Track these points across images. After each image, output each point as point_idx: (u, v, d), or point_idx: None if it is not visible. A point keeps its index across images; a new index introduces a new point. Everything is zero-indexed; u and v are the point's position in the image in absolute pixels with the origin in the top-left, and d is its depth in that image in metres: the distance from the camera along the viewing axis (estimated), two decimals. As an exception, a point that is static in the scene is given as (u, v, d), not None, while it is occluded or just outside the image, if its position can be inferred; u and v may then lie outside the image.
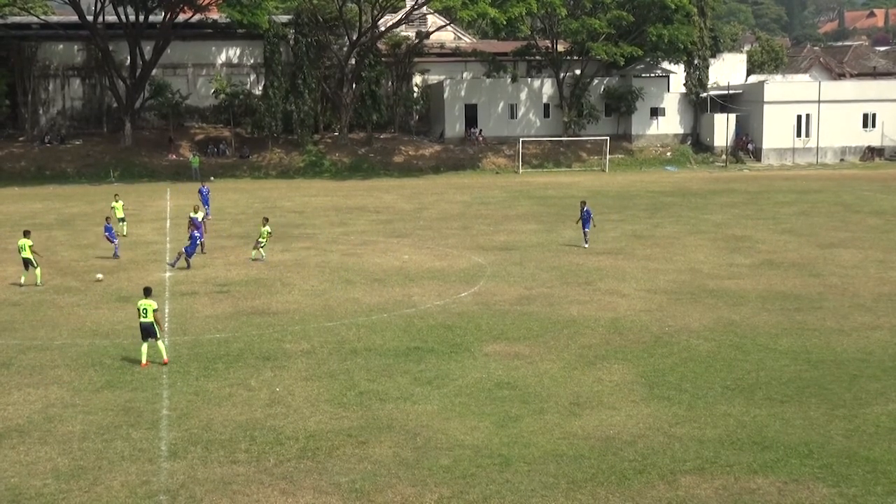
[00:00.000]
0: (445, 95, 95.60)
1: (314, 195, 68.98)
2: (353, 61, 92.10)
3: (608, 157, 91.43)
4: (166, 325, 28.46)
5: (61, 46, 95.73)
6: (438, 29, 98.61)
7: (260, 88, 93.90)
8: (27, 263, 34.98)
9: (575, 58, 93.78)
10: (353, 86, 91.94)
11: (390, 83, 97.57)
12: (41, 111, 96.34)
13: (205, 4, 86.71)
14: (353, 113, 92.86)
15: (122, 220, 48.04)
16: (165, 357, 24.29)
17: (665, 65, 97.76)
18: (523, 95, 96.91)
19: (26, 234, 35.88)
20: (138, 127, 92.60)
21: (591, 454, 17.84)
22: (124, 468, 17.39)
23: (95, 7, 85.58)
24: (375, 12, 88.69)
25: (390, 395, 21.36)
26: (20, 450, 18.34)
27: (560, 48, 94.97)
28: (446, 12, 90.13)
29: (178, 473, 17.13)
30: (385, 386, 22.07)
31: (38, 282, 34.99)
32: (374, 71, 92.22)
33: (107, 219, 42.36)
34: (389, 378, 22.68)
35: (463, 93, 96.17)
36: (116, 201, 48.67)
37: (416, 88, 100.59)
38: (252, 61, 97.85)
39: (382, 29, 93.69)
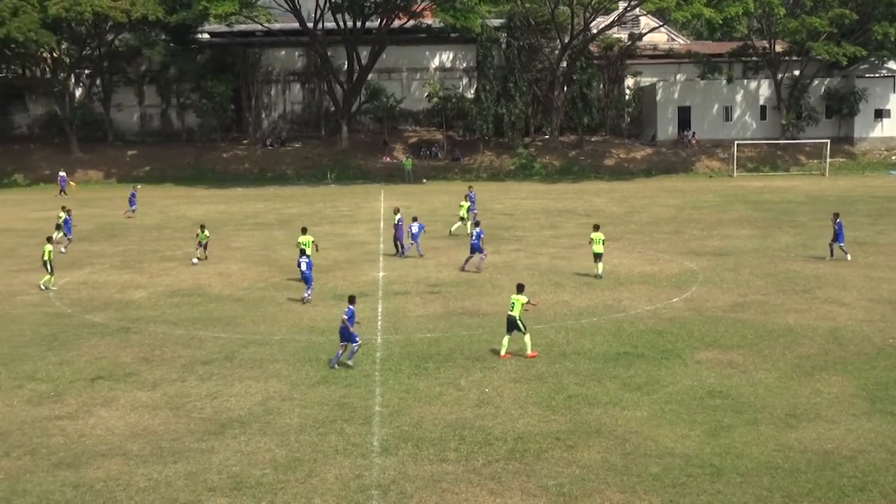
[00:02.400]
0: (658, 97, 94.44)
1: (524, 198, 69.24)
2: (564, 64, 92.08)
3: (828, 160, 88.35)
4: (378, 323, 29.12)
5: (283, 53, 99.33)
6: (652, 30, 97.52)
7: (472, 92, 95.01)
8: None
9: (794, 58, 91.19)
10: (565, 88, 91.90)
11: (602, 85, 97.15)
12: (263, 115, 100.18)
13: (419, 10, 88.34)
14: (563, 116, 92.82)
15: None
16: (530, 351, 24.93)
17: (891, 64, 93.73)
18: (738, 97, 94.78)
19: (304, 230, 37.86)
20: (354, 130, 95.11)
21: (807, 468, 17.26)
22: (338, 462, 17.85)
23: (315, 14, 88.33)
24: (588, 14, 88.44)
25: (599, 400, 21.22)
26: (241, 440, 19.07)
27: (778, 48, 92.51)
28: (660, 13, 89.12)
29: (389, 469, 17.47)
30: (594, 390, 21.94)
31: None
32: (585, 73, 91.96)
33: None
34: (598, 382, 22.53)
35: (676, 95, 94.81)
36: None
37: (627, 91, 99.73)
38: (464, 65, 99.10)
39: (594, 31, 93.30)
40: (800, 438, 18.70)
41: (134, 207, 61.29)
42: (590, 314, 29.96)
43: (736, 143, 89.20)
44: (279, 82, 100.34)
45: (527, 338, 24.94)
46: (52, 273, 35.30)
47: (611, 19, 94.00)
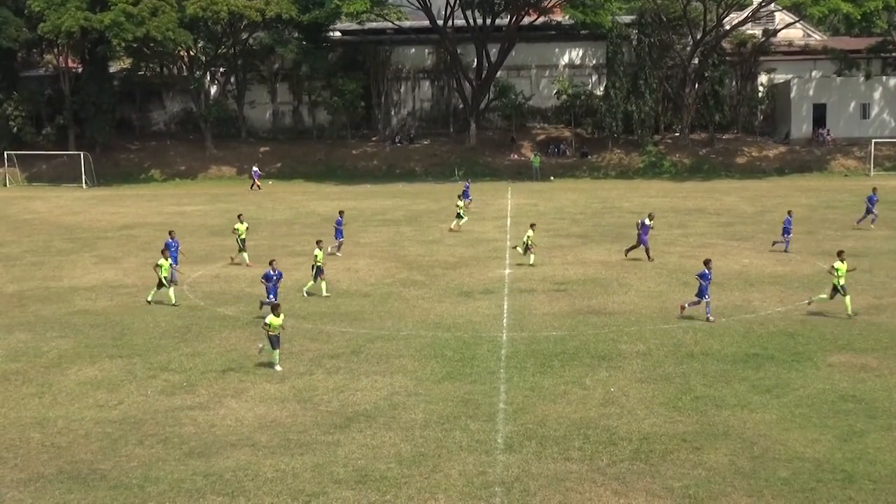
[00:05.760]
0: (792, 95, 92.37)
1: (653, 196, 68.49)
2: (696, 61, 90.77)
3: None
4: (504, 320, 29.13)
5: (413, 50, 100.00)
6: (786, 26, 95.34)
7: (601, 89, 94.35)
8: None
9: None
10: (696, 86, 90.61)
11: (734, 83, 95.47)
12: (393, 112, 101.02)
13: (549, 6, 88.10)
14: (694, 113, 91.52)
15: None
16: None
17: None
18: (877, 94, 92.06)
19: (532, 226, 40.02)
20: (482, 127, 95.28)
21: (944, 476, 16.71)
22: (462, 458, 17.92)
23: (445, 12, 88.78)
24: (721, 10, 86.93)
25: (727, 402, 20.88)
26: (367, 433, 19.29)
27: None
28: (795, 9, 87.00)
29: (513, 467, 17.47)
30: (722, 392, 21.60)
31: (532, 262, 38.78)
32: (717, 70, 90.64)
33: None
34: (726, 384, 22.18)
35: (811, 92, 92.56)
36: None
37: (761, 88, 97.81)
38: (594, 62, 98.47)
39: (727, 27, 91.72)
40: (937, 446, 18.13)
41: (469, 199, 60.28)
42: (719, 314, 29.46)
43: (873, 141, 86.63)
44: (408, 80, 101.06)
45: None
46: (316, 279, 33.58)
47: (744, 15, 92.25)
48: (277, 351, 24.29)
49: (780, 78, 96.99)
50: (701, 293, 28.94)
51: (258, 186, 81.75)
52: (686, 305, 29.45)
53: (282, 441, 18.92)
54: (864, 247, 42.65)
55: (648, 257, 39.85)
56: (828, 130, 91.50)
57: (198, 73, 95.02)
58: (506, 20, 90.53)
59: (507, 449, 18.32)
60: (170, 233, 38.15)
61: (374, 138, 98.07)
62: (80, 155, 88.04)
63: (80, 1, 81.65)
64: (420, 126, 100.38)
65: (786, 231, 41.86)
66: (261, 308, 29.93)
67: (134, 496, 16.48)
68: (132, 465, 17.86)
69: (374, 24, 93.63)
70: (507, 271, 37.94)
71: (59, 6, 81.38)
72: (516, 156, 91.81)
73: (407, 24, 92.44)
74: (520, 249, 39.51)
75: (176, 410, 20.96)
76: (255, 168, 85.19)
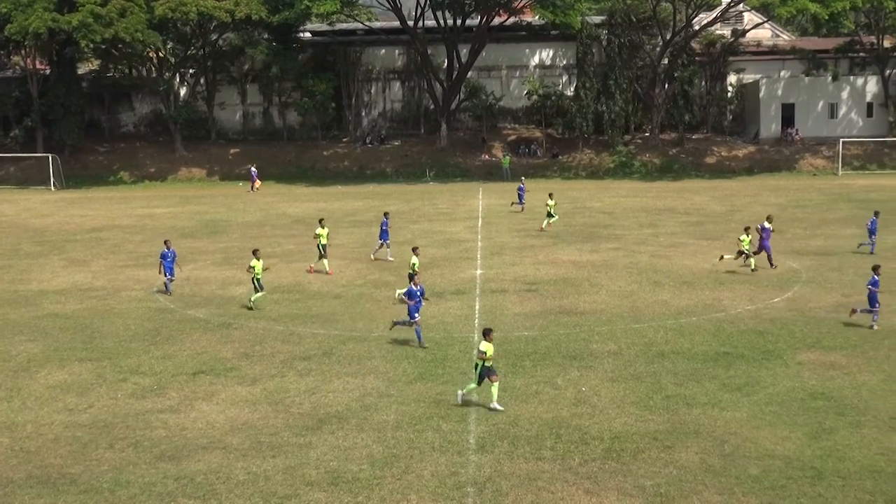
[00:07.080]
0: (761, 95, 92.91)
1: (623, 196, 68.70)
2: (665, 61, 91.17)
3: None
4: (476, 321, 29.14)
5: (383, 51, 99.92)
6: (755, 27, 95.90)
7: (572, 89, 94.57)
8: None
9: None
10: (666, 86, 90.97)
11: (703, 83, 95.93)
12: (363, 113, 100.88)
13: (519, 7, 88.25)
14: (664, 113, 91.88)
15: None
16: None
17: None
18: (844, 94, 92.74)
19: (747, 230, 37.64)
20: (453, 128, 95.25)
21: (912, 472, 16.85)
22: (434, 458, 17.92)
23: (416, 12, 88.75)
24: (690, 11, 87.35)
25: (698, 400, 20.98)
26: (339, 435, 19.26)
27: (886, 43, 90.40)
28: (763, 9, 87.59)
29: (485, 467, 17.49)
30: (692, 390, 21.70)
31: None
32: (687, 70, 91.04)
33: None
34: (697, 383, 22.28)
35: (779, 92, 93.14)
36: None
37: (730, 88, 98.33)
38: (564, 62, 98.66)
39: (697, 28, 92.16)
40: (905, 443, 18.27)
41: (523, 202, 59.52)
42: (689, 314, 29.62)
43: (841, 140, 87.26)
44: (379, 80, 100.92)
45: None
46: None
47: (713, 15, 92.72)
48: (497, 384, 20.92)
49: (748, 78, 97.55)
50: (872, 301, 27.72)
51: (257, 187, 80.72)
52: (857, 310, 27.91)
53: (253, 443, 18.86)
54: (833, 245, 42.96)
55: (771, 264, 37.24)
56: (796, 130, 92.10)
57: (167, 74, 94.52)
58: (476, 21, 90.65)
59: (480, 449, 18.33)
60: (165, 242, 35.81)
61: (344, 139, 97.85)
62: (48, 157, 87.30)
63: (48, 2, 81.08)
64: (391, 127, 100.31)
65: (872, 232, 40.83)
66: (391, 328, 27.35)
67: (104, 500, 16.38)
68: (102, 469, 17.76)
69: (344, 25, 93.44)
70: (479, 272, 37.95)
71: (26, 7, 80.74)
72: (487, 156, 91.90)
73: (377, 24, 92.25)
74: (730, 257, 37.34)
75: (146, 414, 20.85)
76: (252, 168, 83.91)
